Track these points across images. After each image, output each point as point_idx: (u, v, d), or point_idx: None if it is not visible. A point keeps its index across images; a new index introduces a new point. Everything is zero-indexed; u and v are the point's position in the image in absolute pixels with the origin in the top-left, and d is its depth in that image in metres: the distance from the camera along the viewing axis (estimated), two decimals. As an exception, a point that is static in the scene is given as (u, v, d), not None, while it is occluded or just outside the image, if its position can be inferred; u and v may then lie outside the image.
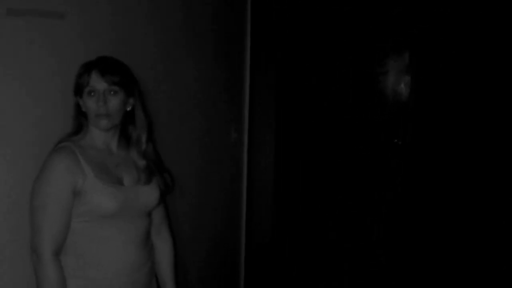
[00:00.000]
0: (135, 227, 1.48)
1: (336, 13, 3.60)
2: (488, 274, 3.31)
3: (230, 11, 2.99)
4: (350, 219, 3.72)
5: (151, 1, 2.00)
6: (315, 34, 3.62)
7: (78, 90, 1.42)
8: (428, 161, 3.55)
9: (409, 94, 3.56)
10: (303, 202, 3.71)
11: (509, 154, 3.30)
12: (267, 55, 3.26)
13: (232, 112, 3.06)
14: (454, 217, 3.47)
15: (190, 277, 2.39)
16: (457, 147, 3.46)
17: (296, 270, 3.64)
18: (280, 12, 3.31)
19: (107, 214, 1.39)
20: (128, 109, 1.50)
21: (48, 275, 1.31)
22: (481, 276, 3.33)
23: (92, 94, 1.40)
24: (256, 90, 3.28)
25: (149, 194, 1.52)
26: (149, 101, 1.68)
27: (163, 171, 1.61)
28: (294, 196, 3.67)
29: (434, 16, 3.44)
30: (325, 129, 3.68)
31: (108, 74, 1.40)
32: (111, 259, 1.41)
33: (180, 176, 1.98)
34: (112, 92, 1.42)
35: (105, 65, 1.42)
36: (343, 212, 3.72)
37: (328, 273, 3.66)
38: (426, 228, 3.55)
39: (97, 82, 1.40)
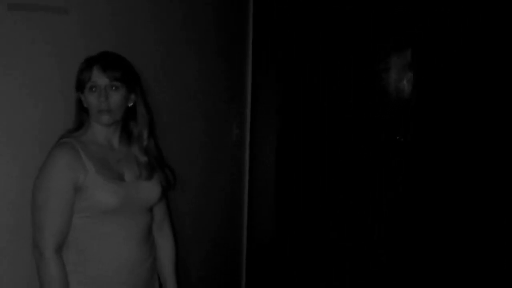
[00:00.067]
0: (136, 223, 1.47)
1: (337, 13, 3.60)
2: (489, 274, 3.30)
3: (231, 10, 2.99)
4: (351, 219, 3.71)
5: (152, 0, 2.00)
6: (317, 34, 3.61)
7: (80, 85, 1.42)
8: (429, 159, 3.54)
9: (411, 92, 3.55)
10: (304, 202, 3.70)
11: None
12: (269, 54, 3.26)
13: (234, 111, 3.06)
14: (456, 216, 3.46)
15: (191, 276, 2.38)
16: (459, 145, 3.45)
17: (297, 270, 3.64)
18: (281, 11, 3.31)
19: (108, 210, 1.39)
20: (130, 105, 1.50)
21: (50, 271, 1.31)
22: (482, 276, 3.32)
23: (94, 89, 1.40)
24: (258, 89, 3.27)
25: (151, 190, 1.52)
26: (149, 100, 1.68)
27: (164, 167, 1.60)
28: (295, 195, 3.66)
29: (436, 14, 3.43)
30: (326, 128, 3.67)
31: (109, 70, 1.40)
32: (112, 255, 1.41)
33: (181, 175, 1.98)
34: (113, 88, 1.41)
35: (106, 61, 1.42)
36: (344, 212, 3.71)
37: (329, 273, 3.66)
38: (427, 227, 3.54)
39: (99, 78, 1.39)
